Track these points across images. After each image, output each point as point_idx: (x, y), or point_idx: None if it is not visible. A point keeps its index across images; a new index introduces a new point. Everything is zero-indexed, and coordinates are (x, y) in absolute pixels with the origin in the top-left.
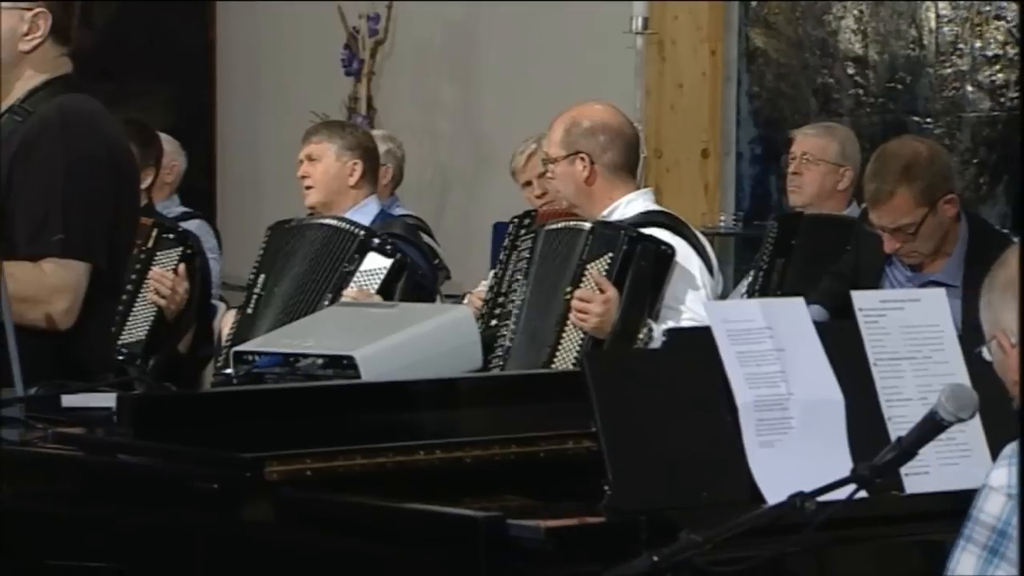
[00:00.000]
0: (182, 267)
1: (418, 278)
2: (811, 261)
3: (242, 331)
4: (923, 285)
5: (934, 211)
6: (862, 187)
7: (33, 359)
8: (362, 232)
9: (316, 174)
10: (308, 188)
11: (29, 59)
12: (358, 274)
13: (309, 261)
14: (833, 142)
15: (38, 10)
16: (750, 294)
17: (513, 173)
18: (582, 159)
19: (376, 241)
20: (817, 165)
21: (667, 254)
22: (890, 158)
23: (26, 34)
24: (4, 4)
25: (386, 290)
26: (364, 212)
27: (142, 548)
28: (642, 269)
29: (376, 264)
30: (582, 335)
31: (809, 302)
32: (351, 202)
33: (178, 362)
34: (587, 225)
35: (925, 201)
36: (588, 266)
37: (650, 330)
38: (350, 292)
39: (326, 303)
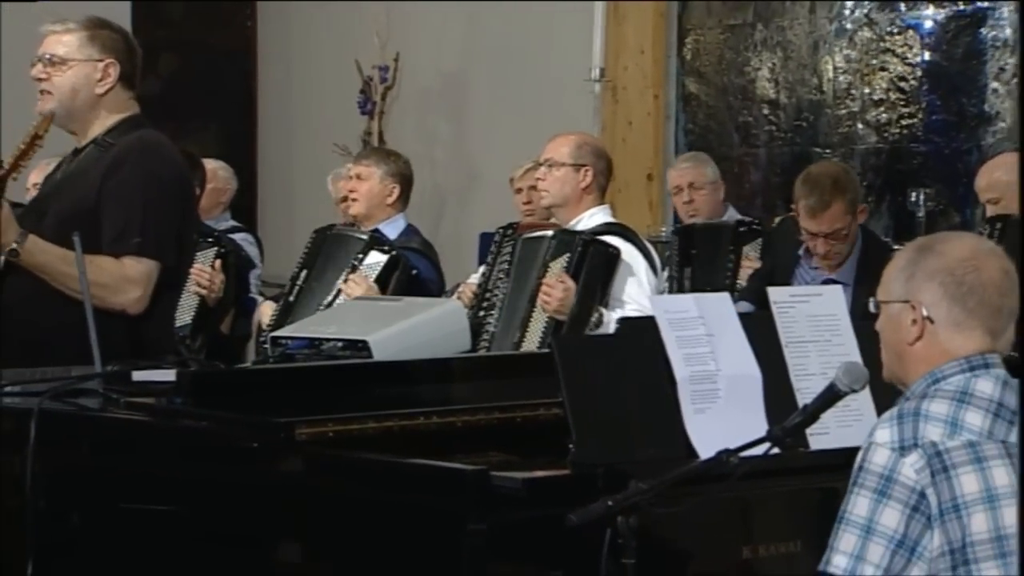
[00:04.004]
0: (218, 263)
1: (412, 274)
2: (709, 263)
3: (283, 315)
4: (824, 282)
5: (855, 219)
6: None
7: (110, 341)
8: (367, 236)
9: (361, 190)
10: (353, 200)
11: (103, 101)
12: (363, 266)
13: (337, 263)
14: (707, 166)
15: (108, 60)
16: None
17: (511, 180)
18: (587, 171)
19: (377, 243)
20: (703, 189)
21: (613, 254)
22: (821, 176)
23: (100, 80)
24: (79, 56)
25: (382, 279)
26: (394, 226)
27: (197, 495)
28: (594, 266)
29: (376, 259)
30: (546, 319)
31: (739, 299)
32: (385, 217)
33: (222, 341)
34: (550, 232)
35: (851, 209)
36: (551, 264)
37: (600, 315)
38: (352, 277)
39: (337, 286)
